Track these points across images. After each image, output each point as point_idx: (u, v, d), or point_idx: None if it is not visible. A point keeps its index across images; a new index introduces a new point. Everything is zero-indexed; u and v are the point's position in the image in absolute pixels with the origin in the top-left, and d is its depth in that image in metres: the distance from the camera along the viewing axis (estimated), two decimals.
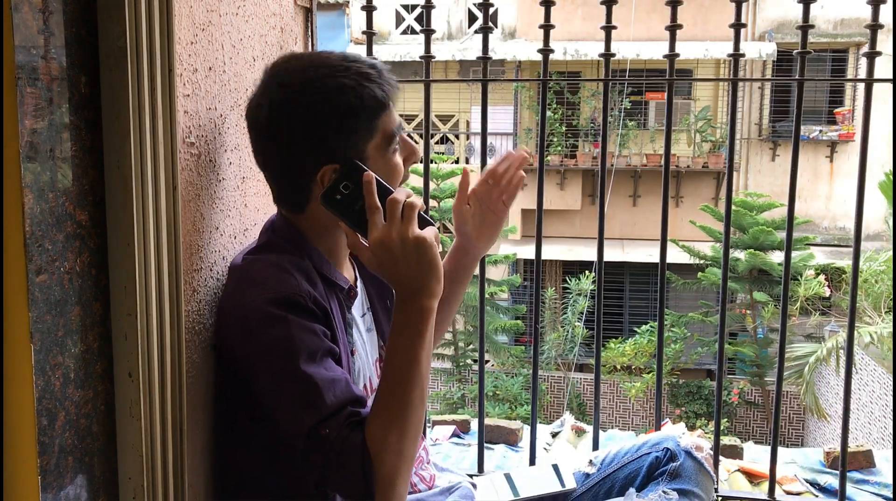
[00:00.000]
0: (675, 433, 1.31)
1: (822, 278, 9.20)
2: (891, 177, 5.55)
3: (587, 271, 10.29)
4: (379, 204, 0.98)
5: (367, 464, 0.93)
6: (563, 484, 1.32)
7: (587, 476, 1.35)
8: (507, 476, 1.34)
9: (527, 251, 10.71)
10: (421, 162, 1.43)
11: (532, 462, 1.83)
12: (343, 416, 0.95)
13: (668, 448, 1.28)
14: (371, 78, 1.03)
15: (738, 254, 9.57)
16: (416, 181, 8.76)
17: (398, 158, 1.09)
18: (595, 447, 1.83)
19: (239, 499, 1.10)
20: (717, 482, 1.50)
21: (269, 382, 0.98)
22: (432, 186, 7.90)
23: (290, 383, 0.95)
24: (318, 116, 1.01)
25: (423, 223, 1.00)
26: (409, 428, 0.96)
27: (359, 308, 1.18)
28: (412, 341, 0.97)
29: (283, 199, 1.10)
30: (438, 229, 1.31)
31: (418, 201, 0.99)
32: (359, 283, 1.20)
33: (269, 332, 0.97)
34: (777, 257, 9.50)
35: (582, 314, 10.28)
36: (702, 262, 10.19)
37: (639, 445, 1.33)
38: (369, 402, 1.01)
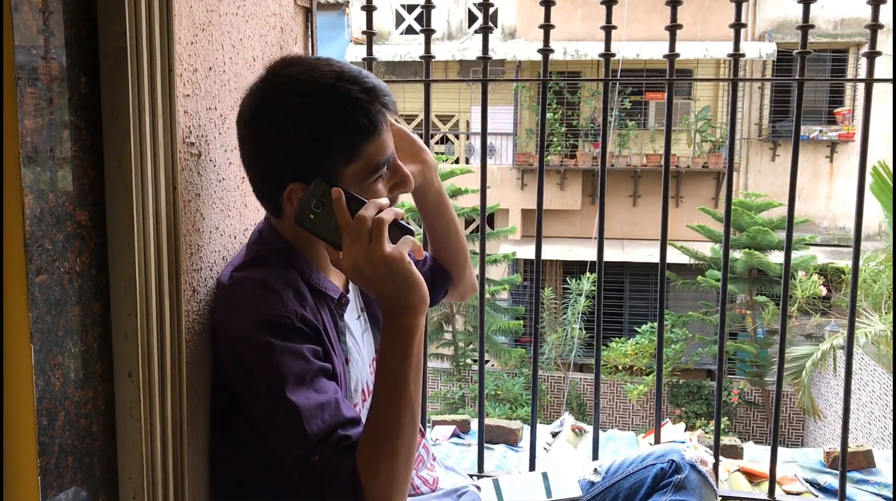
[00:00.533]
0: (680, 447, 1.32)
1: (815, 277, 9.20)
2: (878, 176, 5.53)
3: (587, 273, 10.29)
4: (351, 221, 0.95)
5: (359, 490, 0.92)
6: (549, 494, 1.31)
7: (592, 484, 1.35)
8: (495, 482, 1.34)
9: (526, 251, 10.72)
10: None
11: (532, 462, 1.83)
12: (333, 441, 0.95)
13: (673, 459, 1.28)
14: (359, 104, 0.98)
15: (736, 254, 9.58)
16: None
17: (380, 187, 1.04)
18: (595, 446, 1.83)
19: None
20: (719, 489, 1.51)
21: (259, 410, 0.99)
22: None
23: (279, 411, 0.95)
24: (291, 133, 0.98)
25: (400, 233, 0.97)
26: (401, 450, 0.95)
27: (352, 312, 1.16)
28: (398, 361, 0.96)
29: (261, 202, 1.09)
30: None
31: (389, 214, 0.96)
32: (351, 285, 1.19)
33: (255, 360, 0.96)
34: (776, 257, 9.50)
35: (582, 314, 10.28)
36: (701, 263, 10.20)
37: (644, 455, 1.33)
38: (364, 412, 1.01)
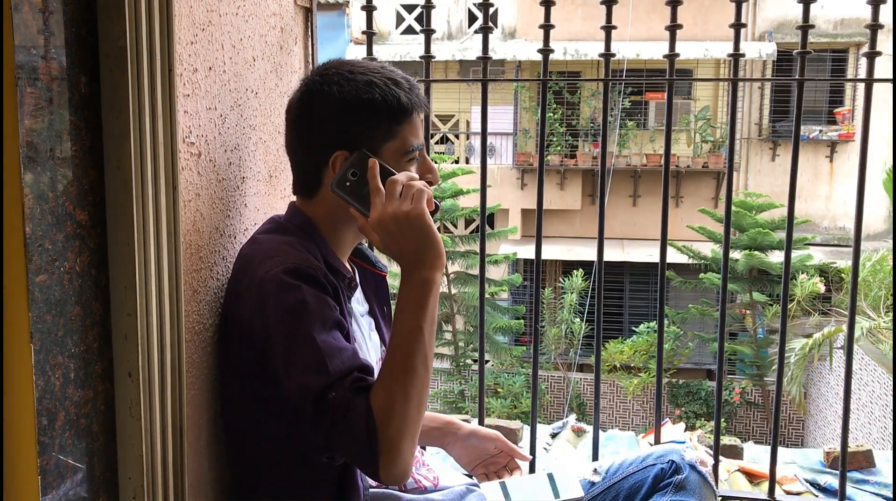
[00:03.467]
0: (679, 448, 1.32)
1: (815, 279, 9.19)
2: (892, 173, 5.53)
3: (577, 270, 10.31)
4: (381, 187, 1.04)
5: (371, 428, 0.95)
6: (557, 494, 1.31)
7: (592, 484, 1.35)
8: (502, 484, 1.34)
9: (527, 251, 10.71)
10: None
11: (531, 463, 1.82)
12: (349, 381, 0.98)
13: (673, 460, 1.29)
14: (400, 85, 1.11)
15: (736, 255, 9.57)
16: None
17: (413, 170, 1.13)
18: (595, 446, 1.83)
19: (250, 498, 1.11)
20: (719, 489, 1.51)
21: (282, 346, 1.00)
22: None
23: (302, 347, 0.98)
24: (342, 104, 1.08)
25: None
26: (413, 393, 0.98)
27: (358, 304, 1.20)
28: (414, 312, 1.01)
29: (297, 182, 1.16)
30: (438, 228, 1.32)
31: (419, 183, 1.04)
32: (358, 285, 1.22)
33: (283, 298, 1.00)
34: (776, 256, 9.49)
35: (581, 312, 10.28)
36: (701, 262, 10.20)
37: (643, 456, 1.34)
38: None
